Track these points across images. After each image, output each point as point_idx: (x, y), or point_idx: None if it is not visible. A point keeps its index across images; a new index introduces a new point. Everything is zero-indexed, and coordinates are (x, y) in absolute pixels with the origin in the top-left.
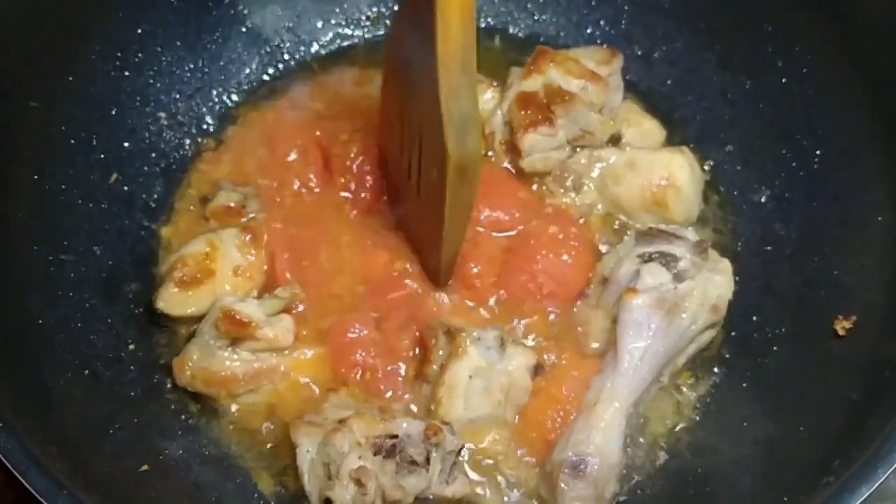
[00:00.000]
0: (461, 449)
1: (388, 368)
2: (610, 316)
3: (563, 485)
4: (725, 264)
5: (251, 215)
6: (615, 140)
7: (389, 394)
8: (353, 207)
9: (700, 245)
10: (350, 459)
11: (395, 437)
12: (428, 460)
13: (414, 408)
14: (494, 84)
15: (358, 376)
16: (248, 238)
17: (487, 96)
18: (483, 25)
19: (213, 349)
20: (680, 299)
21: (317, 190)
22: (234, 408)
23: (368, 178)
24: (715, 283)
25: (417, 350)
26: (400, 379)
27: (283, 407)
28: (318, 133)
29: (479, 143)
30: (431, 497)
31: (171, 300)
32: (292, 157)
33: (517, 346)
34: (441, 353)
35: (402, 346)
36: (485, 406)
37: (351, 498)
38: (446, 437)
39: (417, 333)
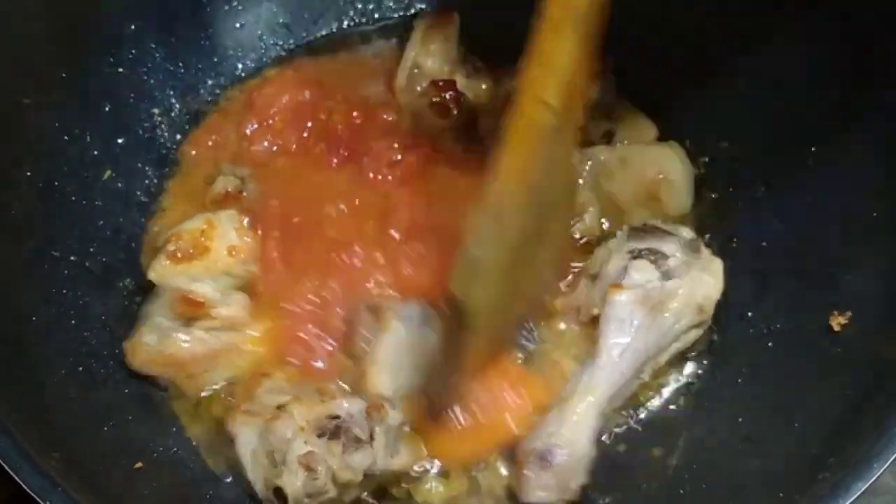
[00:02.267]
0: (403, 423)
1: (322, 345)
2: (589, 312)
3: (528, 472)
4: (717, 264)
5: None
6: (608, 137)
7: (320, 364)
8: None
9: (693, 243)
10: (296, 445)
11: (338, 417)
12: (372, 437)
13: (344, 385)
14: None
15: (298, 354)
16: (246, 221)
17: (484, 86)
18: None
19: (166, 331)
20: (665, 297)
21: (293, 147)
22: (212, 398)
23: (343, 151)
24: (703, 283)
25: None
26: (333, 357)
27: (246, 385)
28: (306, 94)
29: (487, 297)
30: (378, 473)
31: (163, 272)
32: (274, 116)
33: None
34: (363, 331)
35: (337, 324)
36: (412, 378)
37: (301, 484)
38: (389, 413)
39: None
